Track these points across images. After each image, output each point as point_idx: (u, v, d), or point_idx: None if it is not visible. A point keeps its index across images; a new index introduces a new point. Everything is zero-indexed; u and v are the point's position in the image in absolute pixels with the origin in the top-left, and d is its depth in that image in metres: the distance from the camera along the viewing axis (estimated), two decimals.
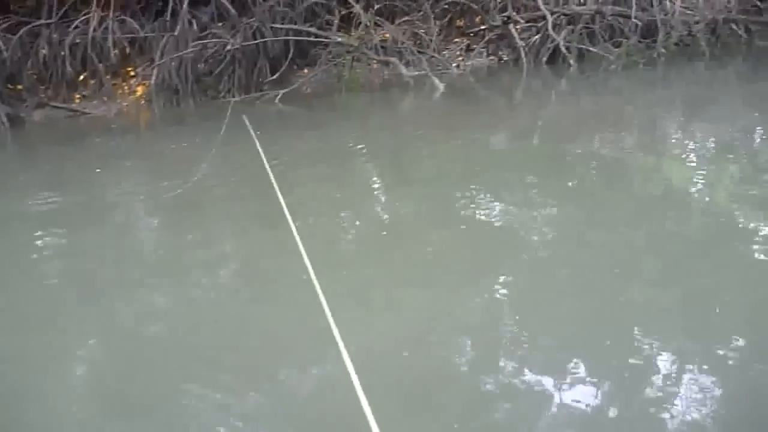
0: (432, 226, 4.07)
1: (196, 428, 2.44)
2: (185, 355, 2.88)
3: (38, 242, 4.43)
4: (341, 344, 1.96)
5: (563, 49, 8.45)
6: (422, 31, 8.41)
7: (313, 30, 8.27)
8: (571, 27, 8.65)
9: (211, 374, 2.72)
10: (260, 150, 5.00)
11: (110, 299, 3.48)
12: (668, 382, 2.40)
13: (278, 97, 7.62)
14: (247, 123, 6.37)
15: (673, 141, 5.70)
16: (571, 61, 8.39)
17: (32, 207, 5.10)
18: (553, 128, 6.55)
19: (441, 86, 7.69)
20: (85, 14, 8.12)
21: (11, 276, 3.88)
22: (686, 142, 5.60)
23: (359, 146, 6.14)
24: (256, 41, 8.00)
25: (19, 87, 7.88)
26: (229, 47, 7.89)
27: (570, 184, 4.68)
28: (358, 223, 4.39)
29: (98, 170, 6.12)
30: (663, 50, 8.40)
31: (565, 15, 8.71)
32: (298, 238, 3.28)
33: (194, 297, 3.49)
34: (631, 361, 2.54)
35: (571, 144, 5.58)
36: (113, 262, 4.01)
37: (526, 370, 2.54)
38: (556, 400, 2.36)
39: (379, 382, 2.37)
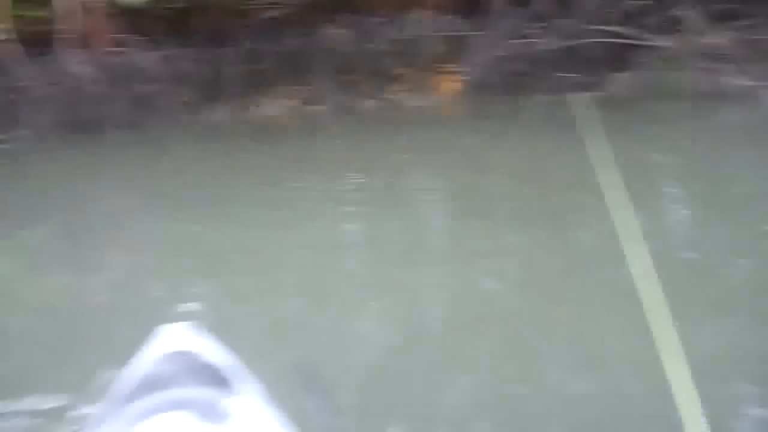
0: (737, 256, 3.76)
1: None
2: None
3: (343, 224, 4.96)
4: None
5: None
6: (759, 37, 7.64)
7: (631, 32, 8.01)
8: None
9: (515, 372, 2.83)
10: (591, 155, 5.05)
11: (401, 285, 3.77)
12: None
13: (590, 100, 7.53)
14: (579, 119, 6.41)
15: None
16: None
17: (340, 188, 5.73)
18: None
19: None
20: (409, 14, 8.84)
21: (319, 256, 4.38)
22: None
23: (665, 160, 5.82)
24: (569, 42, 7.99)
25: (352, 78, 8.84)
26: (543, 47, 7.99)
27: None
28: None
29: (405, 156, 6.66)
30: None
31: None
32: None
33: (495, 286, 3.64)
34: None
35: None
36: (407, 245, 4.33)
37: None
38: None
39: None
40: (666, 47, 7.80)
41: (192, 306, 3.74)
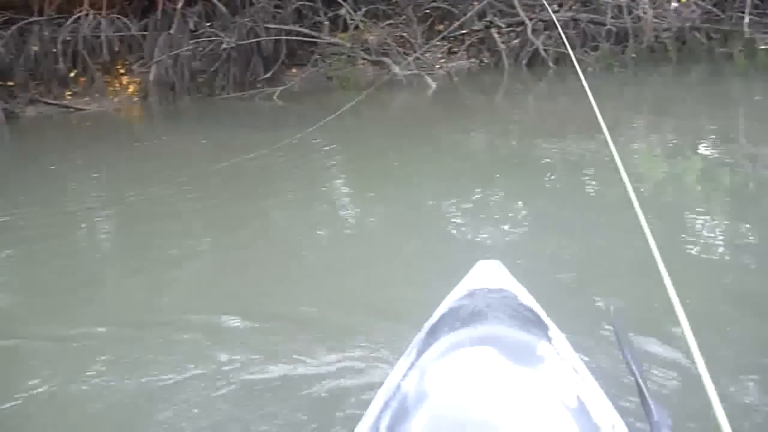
0: (398, 221, 4.13)
1: None
2: None
3: None
4: None
5: (542, 52, 8.91)
6: (406, 33, 8.73)
7: (305, 30, 8.54)
8: (548, 32, 9.11)
9: None
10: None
11: None
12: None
13: (276, 94, 7.86)
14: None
15: (641, 137, 6.09)
16: (550, 64, 8.86)
17: None
18: (529, 127, 6.84)
19: (433, 85, 8.04)
20: (75, 12, 8.20)
21: None
22: (651, 138, 6.01)
23: (333, 146, 6.19)
24: (250, 40, 8.21)
25: (11, 83, 7.90)
26: (224, 46, 8.09)
27: (540, 180, 4.78)
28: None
29: (52, 167, 5.97)
30: (633, 55, 8.93)
31: (542, 21, 9.18)
32: None
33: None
34: None
35: (545, 142, 5.85)
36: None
37: None
38: None
39: None
40: (336, 44, 8.47)
41: None
